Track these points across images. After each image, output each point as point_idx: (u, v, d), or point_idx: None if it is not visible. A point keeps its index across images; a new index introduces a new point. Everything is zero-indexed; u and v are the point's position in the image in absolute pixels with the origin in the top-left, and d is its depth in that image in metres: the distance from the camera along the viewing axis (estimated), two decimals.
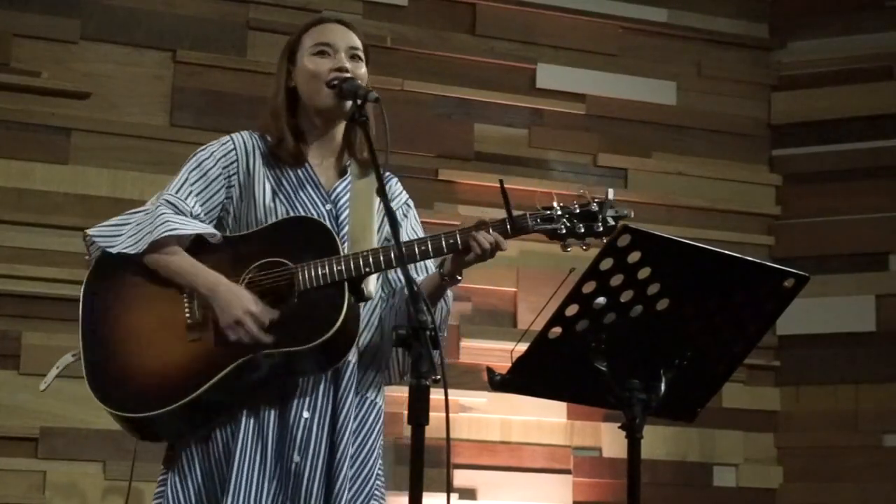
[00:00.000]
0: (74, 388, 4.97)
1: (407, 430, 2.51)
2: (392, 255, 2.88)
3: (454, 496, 5.15)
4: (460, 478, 5.22)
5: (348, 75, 2.99)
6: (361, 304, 2.97)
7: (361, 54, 3.06)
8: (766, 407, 5.71)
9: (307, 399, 2.92)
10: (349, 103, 2.94)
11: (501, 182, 2.89)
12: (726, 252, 2.69)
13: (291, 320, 2.87)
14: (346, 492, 2.93)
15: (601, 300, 2.64)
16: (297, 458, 2.90)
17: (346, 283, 2.88)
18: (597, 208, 2.91)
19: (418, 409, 2.48)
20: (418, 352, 2.51)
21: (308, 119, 3.07)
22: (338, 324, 2.84)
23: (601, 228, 2.89)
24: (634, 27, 5.81)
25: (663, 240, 2.64)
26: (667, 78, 5.83)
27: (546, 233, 2.92)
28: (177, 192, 2.97)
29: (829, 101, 5.85)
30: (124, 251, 2.93)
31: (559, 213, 2.91)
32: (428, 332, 2.51)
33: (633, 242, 2.59)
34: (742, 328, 2.79)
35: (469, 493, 5.24)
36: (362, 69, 3.05)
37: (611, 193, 2.93)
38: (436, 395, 2.49)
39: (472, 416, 5.31)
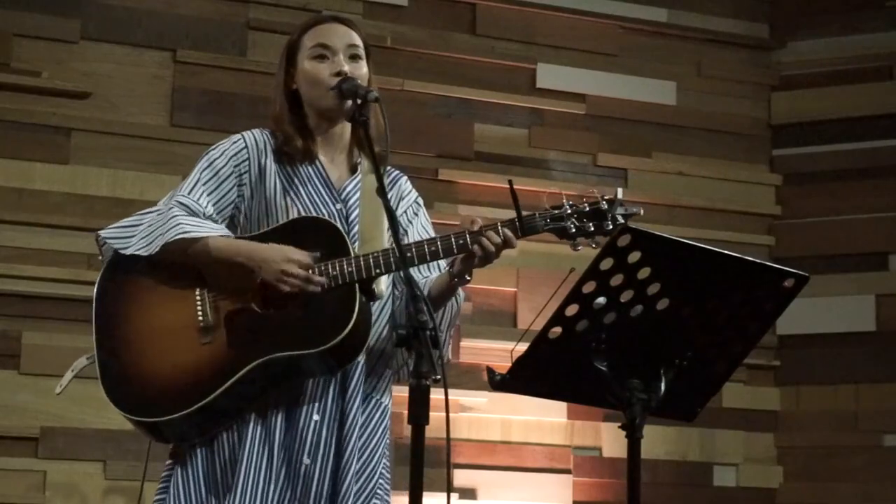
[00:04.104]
0: (74, 387, 4.97)
1: (407, 430, 2.51)
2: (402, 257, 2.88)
3: (454, 496, 5.15)
4: (460, 478, 5.22)
5: (347, 76, 2.99)
6: (372, 304, 2.96)
7: (361, 52, 3.05)
8: (766, 407, 5.71)
9: (317, 402, 2.92)
10: (350, 103, 2.94)
11: (511, 182, 2.87)
12: (726, 252, 2.69)
13: (303, 322, 2.87)
14: (354, 485, 2.94)
15: (601, 300, 2.64)
16: (307, 460, 2.90)
17: (357, 285, 2.88)
18: (606, 206, 2.89)
19: (418, 409, 2.48)
20: (419, 352, 2.51)
21: (313, 118, 3.06)
22: (349, 326, 2.83)
23: (611, 227, 2.88)
24: (634, 27, 5.81)
25: (663, 240, 2.64)
26: (667, 78, 5.82)
27: (555, 232, 2.91)
28: (189, 193, 2.96)
29: (829, 101, 5.85)
30: (137, 252, 2.92)
31: (568, 211, 2.89)
32: (428, 332, 2.51)
33: (634, 242, 2.59)
34: (742, 328, 2.79)
35: (469, 493, 5.24)
36: (363, 69, 3.03)
37: (620, 193, 2.93)
38: (436, 394, 2.49)
39: (472, 416, 5.31)
